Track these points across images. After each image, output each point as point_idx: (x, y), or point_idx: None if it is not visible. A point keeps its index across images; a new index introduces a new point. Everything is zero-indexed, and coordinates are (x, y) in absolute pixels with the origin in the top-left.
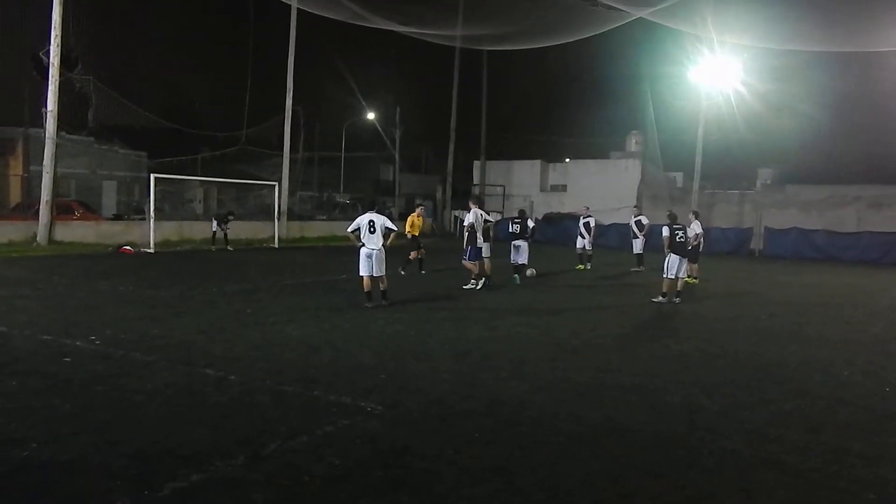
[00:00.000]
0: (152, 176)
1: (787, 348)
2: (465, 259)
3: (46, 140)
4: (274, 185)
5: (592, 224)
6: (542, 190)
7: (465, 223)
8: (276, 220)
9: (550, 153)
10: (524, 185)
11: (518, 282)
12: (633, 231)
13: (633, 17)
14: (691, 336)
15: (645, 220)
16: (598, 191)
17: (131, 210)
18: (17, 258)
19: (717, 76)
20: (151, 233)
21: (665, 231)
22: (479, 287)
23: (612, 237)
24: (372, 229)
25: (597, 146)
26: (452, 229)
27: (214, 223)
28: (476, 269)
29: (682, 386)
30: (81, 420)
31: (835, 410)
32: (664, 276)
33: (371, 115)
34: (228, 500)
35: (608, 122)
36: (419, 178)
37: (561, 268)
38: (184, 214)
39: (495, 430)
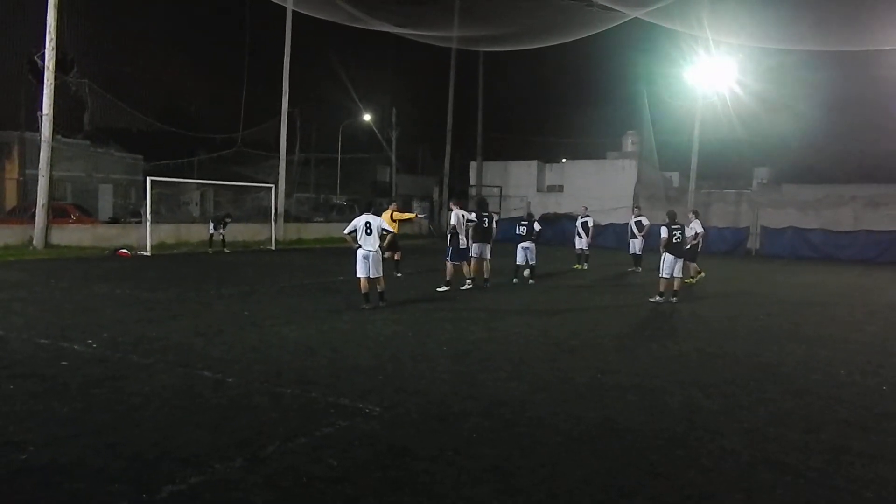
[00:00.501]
0: (148, 179)
1: (786, 348)
2: (446, 259)
3: (42, 144)
4: (271, 188)
5: (591, 224)
6: (539, 190)
7: (449, 225)
8: (273, 222)
9: (547, 154)
10: (521, 185)
11: (516, 282)
12: (633, 231)
13: (629, 18)
14: (689, 336)
15: (646, 221)
16: (595, 191)
17: (128, 213)
18: (13, 262)
19: (712, 76)
20: (148, 236)
21: (663, 231)
22: (463, 287)
23: (608, 237)
24: (368, 231)
25: (593, 146)
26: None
27: (211, 226)
28: (451, 271)
29: (681, 386)
30: (79, 423)
31: (833, 409)
32: (660, 275)
33: (367, 117)
34: (227, 503)
35: (604, 123)
36: (416, 179)
37: (558, 268)
38: (180, 217)
39: (495, 431)
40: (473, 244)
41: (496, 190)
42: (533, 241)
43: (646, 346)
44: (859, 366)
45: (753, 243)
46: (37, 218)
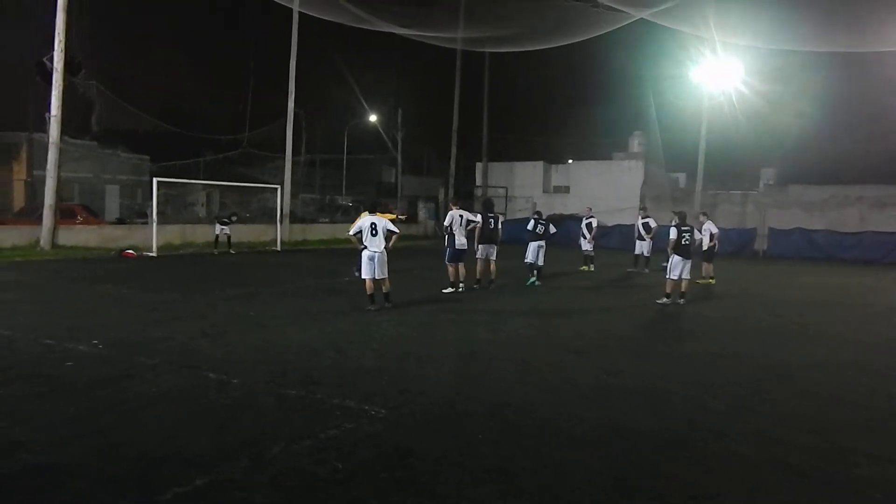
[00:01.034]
0: (155, 179)
1: (792, 348)
2: (446, 260)
3: (50, 145)
4: (276, 188)
5: (594, 224)
6: (545, 191)
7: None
8: (278, 223)
9: (553, 154)
10: (527, 186)
11: (537, 284)
12: (640, 232)
13: (635, 18)
14: (695, 337)
15: (653, 223)
16: (602, 192)
17: (134, 214)
18: (20, 262)
19: (719, 76)
20: (154, 236)
21: (672, 232)
22: (457, 290)
23: (614, 238)
24: (374, 232)
25: (599, 147)
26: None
27: (217, 226)
28: (452, 272)
29: (687, 387)
30: (84, 424)
31: (840, 410)
32: (667, 277)
33: (373, 118)
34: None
35: (611, 123)
36: (421, 180)
37: (563, 269)
38: (186, 218)
39: (499, 432)
40: (479, 246)
41: (502, 191)
42: (547, 241)
43: (652, 348)
44: (866, 366)
45: (761, 244)
46: (44, 219)
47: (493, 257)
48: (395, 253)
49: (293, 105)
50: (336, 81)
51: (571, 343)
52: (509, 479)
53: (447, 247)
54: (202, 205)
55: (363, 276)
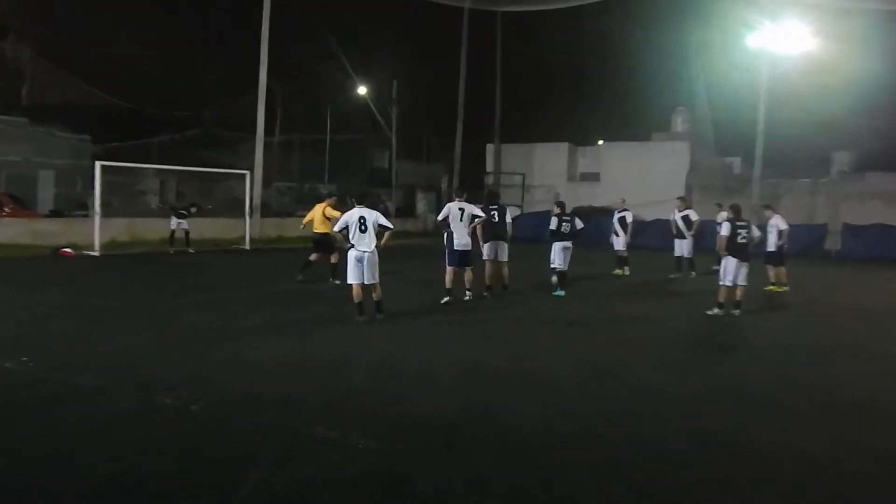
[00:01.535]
0: (97, 164)
1: (861, 370)
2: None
3: None
4: (245, 175)
5: (629, 220)
6: (570, 179)
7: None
8: (247, 217)
9: (580, 135)
10: (548, 173)
11: (563, 294)
12: (679, 229)
13: None
14: (744, 354)
15: (694, 217)
16: (638, 180)
17: (73, 205)
18: None
19: (782, 42)
20: (96, 232)
21: (725, 228)
22: (443, 301)
23: (653, 236)
24: (363, 228)
25: (636, 126)
26: None
27: (174, 220)
28: (451, 277)
29: (729, 413)
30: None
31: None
32: (720, 283)
33: (363, 91)
34: None
35: (650, 98)
36: (420, 165)
37: (590, 272)
38: (136, 210)
39: (512, 463)
40: (485, 244)
41: (518, 178)
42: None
43: (693, 366)
44: None
45: (833, 243)
46: None
47: (504, 258)
48: (389, 252)
49: (266, 76)
50: (319, 47)
51: (597, 360)
52: None
53: (446, 247)
54: (155, 194)
55: (349, 282)
